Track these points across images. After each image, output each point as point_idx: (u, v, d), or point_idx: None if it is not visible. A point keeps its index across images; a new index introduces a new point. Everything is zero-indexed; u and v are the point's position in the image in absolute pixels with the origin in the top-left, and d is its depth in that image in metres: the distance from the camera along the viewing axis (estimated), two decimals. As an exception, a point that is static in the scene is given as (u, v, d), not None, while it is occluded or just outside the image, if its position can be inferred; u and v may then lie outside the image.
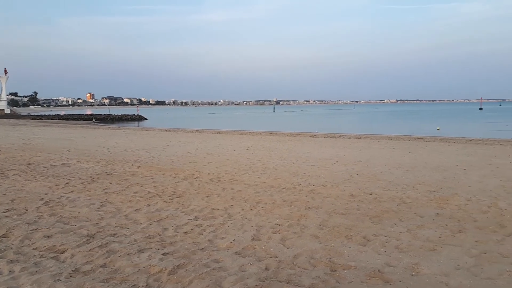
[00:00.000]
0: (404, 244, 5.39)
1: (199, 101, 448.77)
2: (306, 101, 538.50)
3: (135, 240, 5.59)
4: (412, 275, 4.43)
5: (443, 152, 15.93)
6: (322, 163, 12.92)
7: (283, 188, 8.95)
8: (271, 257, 4.99)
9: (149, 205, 7.56)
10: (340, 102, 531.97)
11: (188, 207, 7.37)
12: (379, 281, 4.29)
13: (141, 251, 5.19)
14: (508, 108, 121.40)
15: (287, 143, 20.72)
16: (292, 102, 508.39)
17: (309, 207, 7.32)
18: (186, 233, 5.95)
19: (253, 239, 5.65)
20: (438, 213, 6.85)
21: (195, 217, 6.77)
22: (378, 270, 4.57)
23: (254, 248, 5.31)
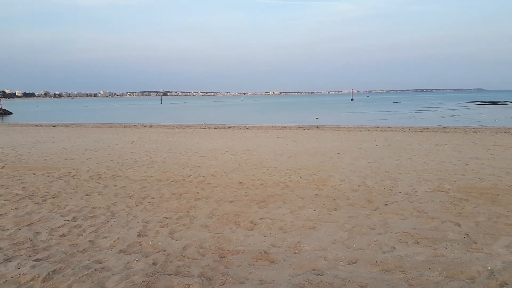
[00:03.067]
0: (288, 224, 5.71)
1: (75, 93, 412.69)
2: (195, 92, 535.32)
3: (0, 249, 4.89)
4: (295, 253, 4.72)
5: (320, 139, 17.35)
6: (212, 153, 12.99)
7: (172, 181, 8.74)
8: (159, 252, 4.83)
9: (17, 208, 6.68)
10: (228, 94, 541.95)
11: (64, 208, 6.71)
12: (265, 262, 4.48)
13: (8, 260, 4.57)
14: (375, 99, 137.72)
15: (176, 135, 20.33)
16: (180, 93, 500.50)
17: (198, 198, 7.28)
18: (62, 235, 5.41)
19: (139, 235, 5.40)
20: (316, 194, 7.42)
21: (73, 217, 6.20)
22: (265, 252, 4.76)
23: (141, 244, 5.08)
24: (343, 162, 10.97)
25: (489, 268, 4.18)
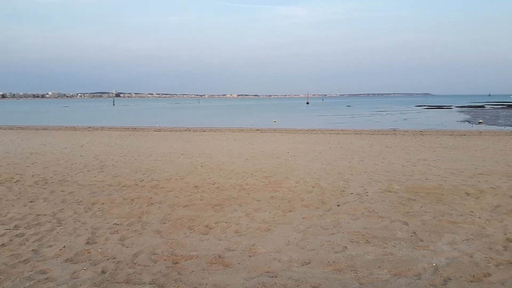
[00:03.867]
0: (243, 228, 5.69)
1: (21, 93, 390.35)
2: (150, 94, 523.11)
3: None
4: (250, 256, 4.70)
5: (277, 142, 17.53)
6: (166, 157, 12.71)
7: (123, 186, 8.45)
8: (108, 259, 4.64)
9: (-50, 218, 6.17)
10: (185, 96, 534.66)
11: (5, 216, 6.28)
12: (219, 266, 4.42)
13: None
14: (329, 102, 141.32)
15: (129, 138, 19.73)
16: (134, 95, 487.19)
17: (151, 203, 7.08)
18: (3, 245, 5.06)
19: (87, 243, 5.15)
20: (272, 196, 7.46)
21: (15, 226, 5.82)
22: (219, 256, 4.70)
23: (89, 252, 4.85)
24: (298, 164, 11.13)
25: (434, 264, 4.38)
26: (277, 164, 11.10)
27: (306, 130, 25.64)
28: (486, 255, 4.58)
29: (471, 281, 3.98)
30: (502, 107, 67.28)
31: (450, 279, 4.03)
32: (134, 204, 7.04)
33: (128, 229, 5.69)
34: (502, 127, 28.66)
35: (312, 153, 13.50)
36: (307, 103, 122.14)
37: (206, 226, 5.78)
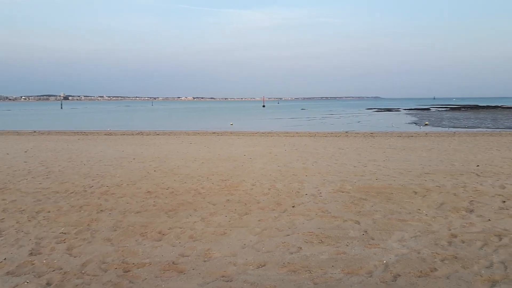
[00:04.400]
0: (198, 232, 5.59)
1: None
2: (100, 96, 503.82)
3: None
4: (205, 261, 4.62)
5: (234, 145, 17.48)
6: (118, 161, 12.28)
7: (71, 193, 8.05)
8: (54, 270, 4.38)
9: None
10: (137, 98, 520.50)
11: None
12: (173, 273, 4.30)
13: None
14: (285, 105, 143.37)
15: (77, 142, 18.87)
16: (83, 97, 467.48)
17: (101, 210, 6.78)
18: None
19: (31, 254, 4.84)
20: (228, 199, 7.41)
21: None
22: (173, 262, 4.58)
23: (33, 264, 4.56)
24: (254, 167, 11.15)
25: (385, 261, 4.52)
26: (234, 167, 11.05)
27: (262, 133, 25.81)
28: (432, 251, 4.80)
29: (419, 276, 4.15)
30: (446, 110, 71.52)
31: (399, 275, 4.18)
32: (82, 211, 6.71)
33: (76, 238, 5.41)
34: (446, 129, 30.44)
35: (268, 155, 13.59)
36: (263, 106, 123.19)
37: (159, 233, 5.62)
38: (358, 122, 42.31)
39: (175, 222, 6.07)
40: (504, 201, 7.02)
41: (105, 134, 24.72)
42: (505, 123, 36.09)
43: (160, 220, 6.19)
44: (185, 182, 9.01)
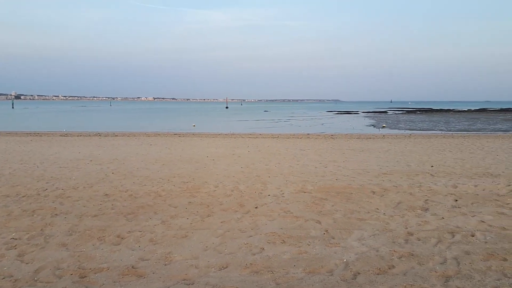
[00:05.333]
0: (159, 236, 5.46)
1: None
2: (55, 96, 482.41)
3: None
4: (165, 265, 4.51)
5: (196, 146, 17.29)
6: (74, 164, 11.79)
7: (23, 196, 7.63)
8: (4, 278, 4.13)
9: None
10: (95, 98, 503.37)
11: None
12: (132, 277, 4.17)
13: None
14: (248, 107, 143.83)
15: (30, 144, 17.97)
16: (37, 97, 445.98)
17: (56, 214, 6.48)
18: None
19: (-23, 262, 4.53)
20: (190, 202, 7.30)
21: None
22: (132, 266, 4.44)
23: (-21, 273, 4.26)
24: (217, 168, 11.07)
25: (345, 260, 4.61)
26: (196, 169, 10.92)
27: (225, 134, 25.73)
28: (390, 249, 4.95)
29: (378, 274, 4.26)
30: (402, 113, 74.53)
31: (359, 273, 4.27)
32: (35, 215, 6.38)
33: (28, 244, 5.13)
34: (403, 131, 31.67)
35: (231, 157, 13.54)
36: (227, 107, 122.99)
37: (118, 236, 5.43)
38: (321, 124, 43.15)
39: (134, 226, 5.90)
40: (456, 200, 7.37)
41: (61, 135, 23.71)
42: (457, 126, 38.09)
43: (118, 224, 5.99)
44: (145, 185, 8.79)
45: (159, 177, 9.72)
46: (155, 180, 9.28)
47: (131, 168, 11.07)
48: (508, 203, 7.09)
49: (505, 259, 4.58)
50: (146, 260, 4.64)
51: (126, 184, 8.87)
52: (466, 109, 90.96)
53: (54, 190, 8.15)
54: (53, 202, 7.21)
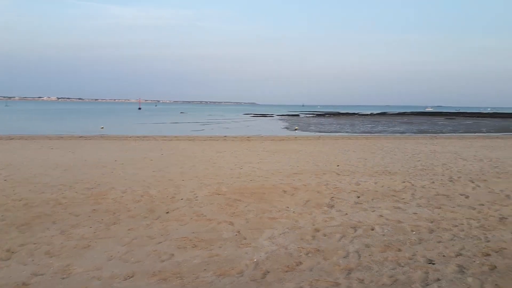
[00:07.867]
0: (56, 247, 4.97)
1: None
2: None
3: None
4: (63, 278, 4.12)
5: (104, 149, 16.28)
6: (-44, 170, 10.30)
7: None
8: None
9: None
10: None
11: None
12: (22, 297, 3.72)
13: None
14: (163, 108, 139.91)
15: None
16: None
17: None
18: None
19: None
20: (94, 209, 6.79)
21: None
22: (23, 283, 3.98)
23: None
24: (126, 173, 10.51)
25: (255, 260, 4.64)
26: (102, 174, 10.24)
27: (137, 137, 24.66)
28: (298, 246, 5.10)
29: (286, 271, 4.35)
30: (313, 116, 78.64)
31: (268, 272, 4.32)
32: None
33: None
34: (313, 133, 33.40)
35: (143, 160, 12.98)
36: (139, 108, 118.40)
37: (8, 251, 4.83)
38: (246, 127, 43.58)
39: (28, 238, 5.30)
40: (359, 196, 7.91)
41: None
42: (361, 128, 41.31)
43: (9, 237, 5.34)
44: (43, 192, 7.99)
45: (60, 183, 8.92)
46: (55, 187, 8.48)
47: (28, 174, 10.00)
48: (403, 198, 7.80)
49: (399, 250, 5.00)
50: (40, 275, 4.18)
51: (21, 192, 7.98)
52: (369, 113, 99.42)
53: None
54: None
